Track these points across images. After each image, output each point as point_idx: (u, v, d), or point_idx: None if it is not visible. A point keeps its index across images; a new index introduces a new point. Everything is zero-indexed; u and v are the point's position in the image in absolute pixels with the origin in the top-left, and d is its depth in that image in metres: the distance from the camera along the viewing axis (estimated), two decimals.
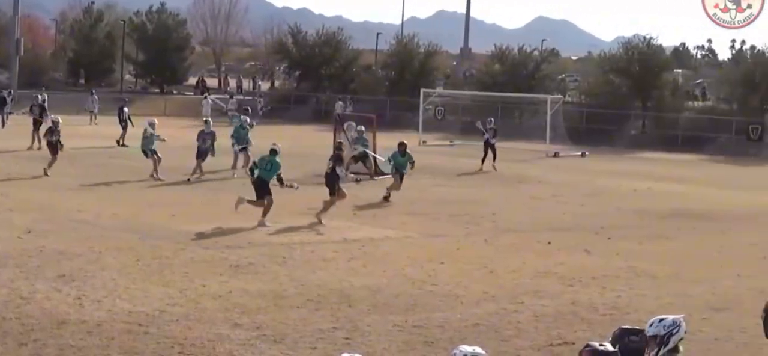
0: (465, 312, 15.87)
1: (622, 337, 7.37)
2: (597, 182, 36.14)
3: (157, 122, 34.03)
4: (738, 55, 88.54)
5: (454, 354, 6.93)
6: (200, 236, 21.79)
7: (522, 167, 39.56)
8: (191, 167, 32.46)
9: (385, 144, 34.92)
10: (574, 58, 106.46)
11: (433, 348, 13.87)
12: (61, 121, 33.71)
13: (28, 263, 18.10)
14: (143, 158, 32.54)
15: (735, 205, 31.15)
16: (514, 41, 77.95)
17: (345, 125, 37.13)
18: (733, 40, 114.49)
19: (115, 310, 15.05)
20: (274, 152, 24.52)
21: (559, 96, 57.10)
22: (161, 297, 15.92)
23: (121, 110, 45.30)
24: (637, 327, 7.54)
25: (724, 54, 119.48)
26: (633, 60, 63.71)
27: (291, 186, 24.55)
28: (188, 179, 31.81)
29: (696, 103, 70.48)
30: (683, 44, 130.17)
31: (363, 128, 35.88)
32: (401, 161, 29.46)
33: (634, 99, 63.55)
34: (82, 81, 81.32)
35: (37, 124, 40.40)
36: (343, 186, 25.37)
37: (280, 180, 24.35)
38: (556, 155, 47.14)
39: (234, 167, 33.77)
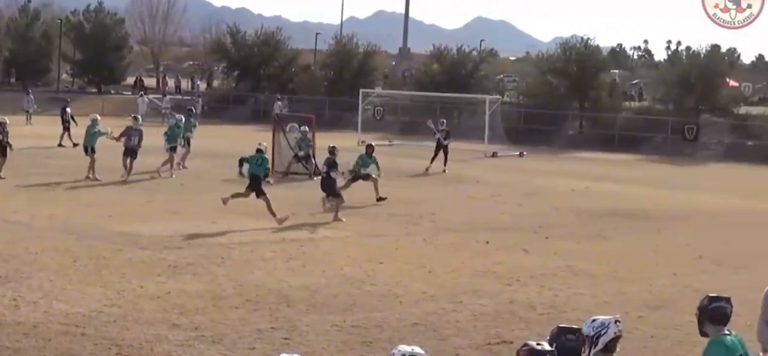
0: (404, 311, 15.91)
1: (559, 336, 7.39)
2: (535, 182, 36.35)
3: (99, 118, 33.69)
4: (674, 56, 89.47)
5: (393, 353, 6.91)
6: (138, 236, 21.66)
7: (461, 167, 39.65)
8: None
9: (323, 144, 34.78)
10: (512, 58, 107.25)
11: (371, 347, 13.89)
12: (7, 121, 32.68)
13: None
14: (82, 156, 32.19)
15: (670, 205, 31.48)
16: (453, 41, 78.01)
17: (287, 126, 36.71)
18: (669, 41, 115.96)
19: (51, 311, 14.91)
20: (260, 151, 25.26)
21: (498, 96, 57.29)
22: (99, 298, 15.80)
23: (63, 110, 44.29)
24: (575, 326, 7.58)
25: (660, 55, 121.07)
26: (570, 60, 64.07)
27: (267, 181, 26.17)
28: (123, 178, 31.51)
29: (633, 103, 71.24)
30: (620, 45, 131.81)
31: (307, 129, 35.58)
32: (368, 161, 29.25)
33: (572, 99, 63.96)
34: (12, 80, 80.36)
35: None
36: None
37: (265, 174, 25.47)
38: (494, 155, 47.35)
39: (172, 166, 33.48)
